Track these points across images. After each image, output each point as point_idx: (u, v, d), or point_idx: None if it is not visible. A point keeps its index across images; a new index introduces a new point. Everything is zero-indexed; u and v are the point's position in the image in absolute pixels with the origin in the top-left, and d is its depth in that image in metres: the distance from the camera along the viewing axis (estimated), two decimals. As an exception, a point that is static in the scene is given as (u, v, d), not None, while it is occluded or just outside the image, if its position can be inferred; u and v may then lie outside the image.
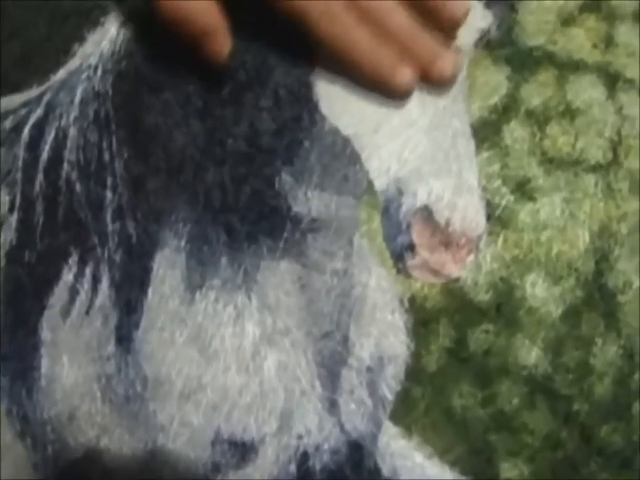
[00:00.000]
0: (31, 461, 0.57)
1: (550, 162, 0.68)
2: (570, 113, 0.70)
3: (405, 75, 0.60)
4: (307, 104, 0.66)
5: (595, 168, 0.69)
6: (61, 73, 0.64)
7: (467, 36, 0.70)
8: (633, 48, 0.73)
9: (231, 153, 0.64)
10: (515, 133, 0.68)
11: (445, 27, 0.61)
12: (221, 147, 0.64)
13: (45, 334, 0.59)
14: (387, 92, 0.59)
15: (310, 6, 0.59)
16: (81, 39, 0.62)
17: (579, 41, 0.72)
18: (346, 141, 0.66)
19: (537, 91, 0.70)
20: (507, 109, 0.69)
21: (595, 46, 0.72)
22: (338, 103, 0.66)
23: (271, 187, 0.64)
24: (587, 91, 0.70)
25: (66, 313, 0.60)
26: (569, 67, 0.71)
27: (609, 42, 0.72)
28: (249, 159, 0.65)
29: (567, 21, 0.73)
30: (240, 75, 0.65)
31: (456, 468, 0.61)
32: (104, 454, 0.57)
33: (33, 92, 0.64)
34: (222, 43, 0.61)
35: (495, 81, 0.70)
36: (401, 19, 0.61)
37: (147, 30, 0.60)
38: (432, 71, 0.59)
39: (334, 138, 0.66)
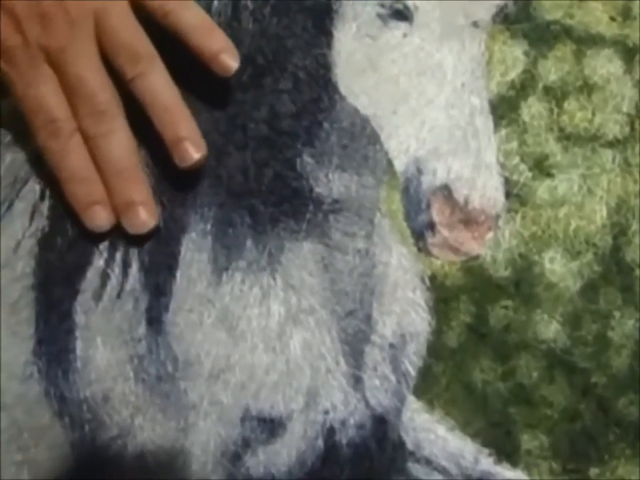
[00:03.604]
0: (68, 440, 0.65)
1: (567, 138, 0.74)
2: (587, 88, 0.75)
3: (94, 216, 0.68)
4: (325, 85, 0.72)
5: (612, 143, 0.74)
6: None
7: (484, 10, 0.76)
8: (650, 20, 0.79)
9: (252, 137, 0.69)
10: (533, 109, 0.74)
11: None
12: (242, 132, 0.71)
13: (79, 317, 0.65)
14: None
15: (34, 113, 0.66)
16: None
17: (596, 15, 0.78)
18: (365, 122, 0.72)
19: (555, 67, 0.76)
20: (524, 85, 0.75)
21: (612, 19, 0.78)
22: (356, 84, 0.72)
23: (293, 169, 0.70)
24: (604, 66, 0.76)
25: (98, 297, 0.66)
26: (586, 41, 0.77)
27: (626, 15, 0.78)
28: (270, 142, 0.70)
29: (584, -7, 0.79)
30: (258, 59, 0.72)
31: (477, 440, 0.67)
32: (138, 432, 0.65)
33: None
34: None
35: (513, 56, 0.76)
36: (121, 154, 0.68)
37: None
38: (123, 217, 0.67)
39: (353, 119, 0.72)
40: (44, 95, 0.65)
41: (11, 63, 0.65)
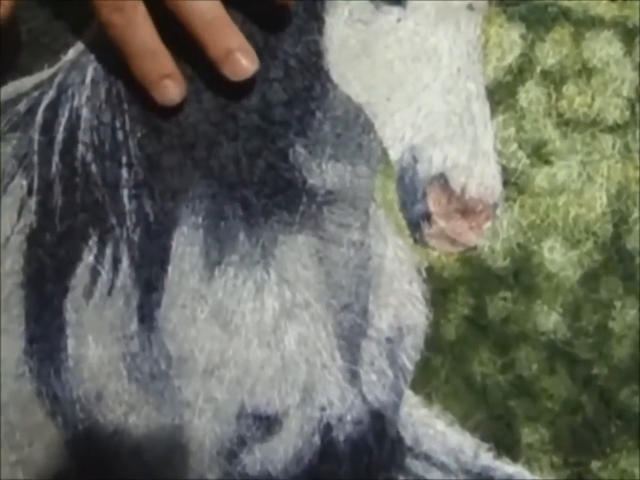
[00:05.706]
0: (62, 439, 0.66)
1: (566, 124, 0.76)
2: (586, 72, 0.77)
3: (165, 89, 0.68)
4: (317, 73, 0.73)
5: (612, 128, 0.76)
6: (71, 53, 0.73)
7: (480, -9, 0.78)
8: (650, 0, 0.80)
9: (243, 127, 0.71)
10: (531, 94, 0.76)
11: None
12: (233, 122, 0.73)
13: (70, 315, 0.66)
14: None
15: None
16: (89, 19, 0.70)
17: (595, -5, 0.80)
18: (358, 110, 0.73)
19: (553, 50, 0.77)
20: (522, 70, 0.76)
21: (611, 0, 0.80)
22: (349, 71, 0.74)
23: (285, 160, 0.71)
24: (603, 48, 0.77)
25: (89, 293, 0.67)
26: (585, 23, 0.78)
27: (625, -5, 0.80)
28: (262, 132, 0.72)
29: (582, -27, 0.80)
30: (249, 47, 0.73)
31: (477, 434, 0.69)
32: (133, 431, 0.67)
33: (45, 73, 0.72)
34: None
35: (509, 40, 0.77)
36: (207, 4, 0.66)
37: None
38: (223, 66, 0.67)
39: (346, 107, 0.73)
40: None
41: None
